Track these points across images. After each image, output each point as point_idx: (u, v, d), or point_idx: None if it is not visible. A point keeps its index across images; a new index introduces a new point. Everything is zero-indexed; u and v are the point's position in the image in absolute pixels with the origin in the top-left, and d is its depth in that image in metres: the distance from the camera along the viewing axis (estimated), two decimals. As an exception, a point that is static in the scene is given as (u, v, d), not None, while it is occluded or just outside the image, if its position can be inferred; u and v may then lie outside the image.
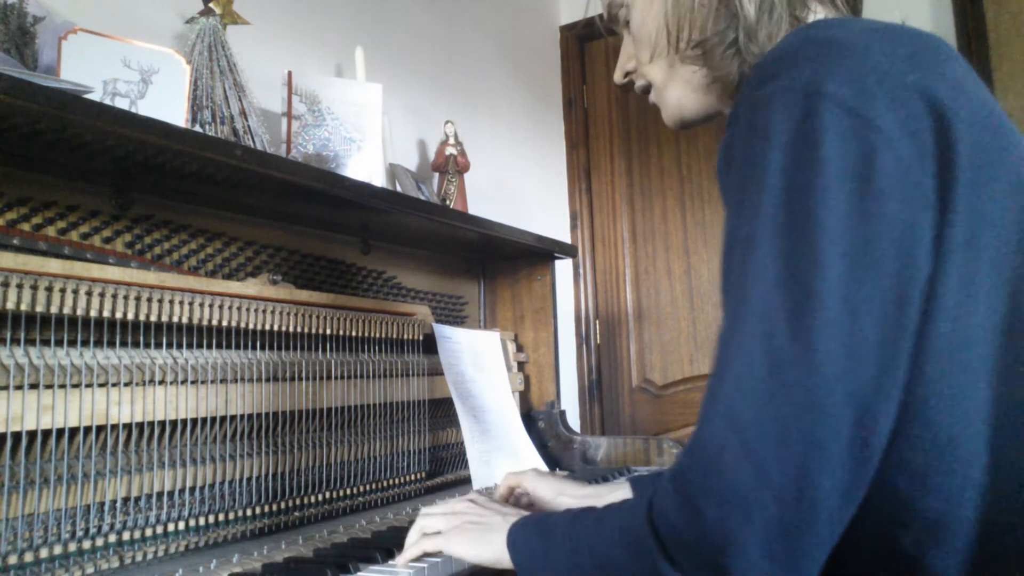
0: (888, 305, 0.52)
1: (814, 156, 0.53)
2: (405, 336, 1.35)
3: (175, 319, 0.97)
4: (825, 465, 0.50)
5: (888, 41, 0.59)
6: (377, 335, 1.29)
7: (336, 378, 1.20)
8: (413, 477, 1.33)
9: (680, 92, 0.76)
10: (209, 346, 1.03)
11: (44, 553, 0.81)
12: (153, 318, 0.94)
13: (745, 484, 0.51)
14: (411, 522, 0.89)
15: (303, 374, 1.14)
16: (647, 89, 0.81)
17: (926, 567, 0.54)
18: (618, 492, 1.04)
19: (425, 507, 0.92)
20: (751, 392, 0.52)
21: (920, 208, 0.53)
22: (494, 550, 0.76)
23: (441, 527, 0.84)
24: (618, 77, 0.84)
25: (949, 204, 0.54)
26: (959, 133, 0.54)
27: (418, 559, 0.84)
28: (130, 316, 0.92)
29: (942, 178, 0.54)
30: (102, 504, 0.87)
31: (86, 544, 0.85)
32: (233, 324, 1.04)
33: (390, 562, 0.86)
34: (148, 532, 0.91)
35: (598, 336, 2.73)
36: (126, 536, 0.89)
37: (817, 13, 0.70)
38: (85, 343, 0.89)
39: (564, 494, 1.03)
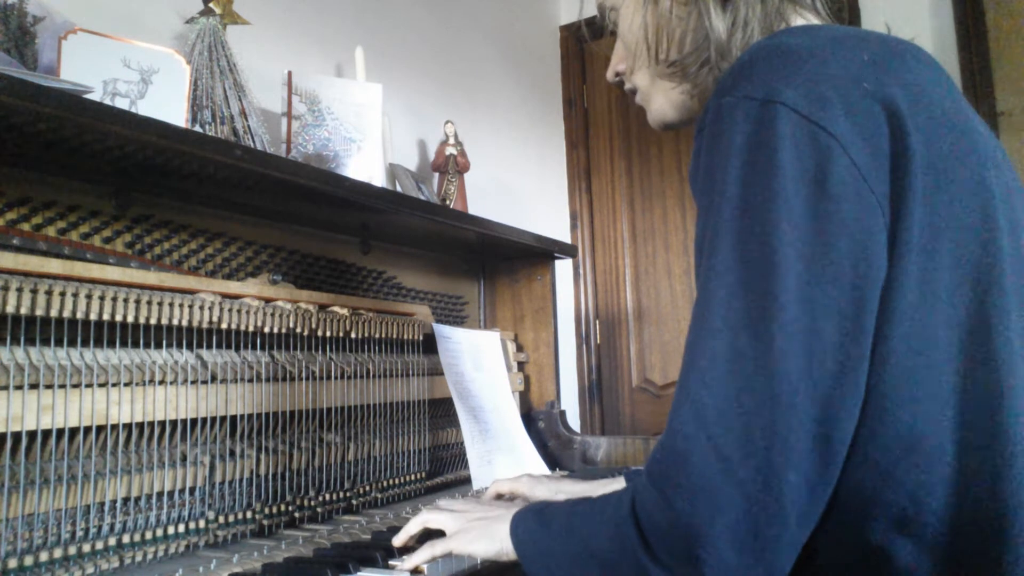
0: (846, 305, 0.53)
1: (770, 162, 0.54)
2: (405, 336, 1.35)
3: (175, 319, 0.97)
4: (789, 459, 0.52)
5: (848, 48, 0.60)
6: (377, 335, 1.29)
7: (336, 378, 1.20)
8: (413, 477, 1.33)
9: (662, 101, 0.78)
10: (209, 346, 1.03)
11: (44, 553, 0.81)
12: (152, 319, 0.94)
13: (712, 479, 0.53)
14: None
15: (303, 374, 1.14)
16: (635, 91, 0.83)
17: (896, 560, 0.55)
18: (613, 485, 1.06)
19: (426, 507, 0.92)
20: (716, 390, 0.54)
21: (874, 212, 0.54)
22: (499, 542, 0.77)
23: (448, 526, 0.85)
24: (610, 76, 0.86)
25: (903, 208, 0.55)
26: (914, 139, 0.56)
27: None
28: (130, 318, 0.92)
29: (897, 183, 0.55)
30: (102, 504, 0.87)
31: (86, 544, 0.84)
32: (233, 324, 1.04)
33: (391, 561, 0.86)
34: (148, 532, 0.91)
35: (598, 336, 2.73)
36: (126, 536, 0.89)
37: (798, 23, 0.71)
38: (85, 343, 0.89)
39: (561, 492, 1.04)
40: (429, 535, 0.87)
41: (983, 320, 0.56)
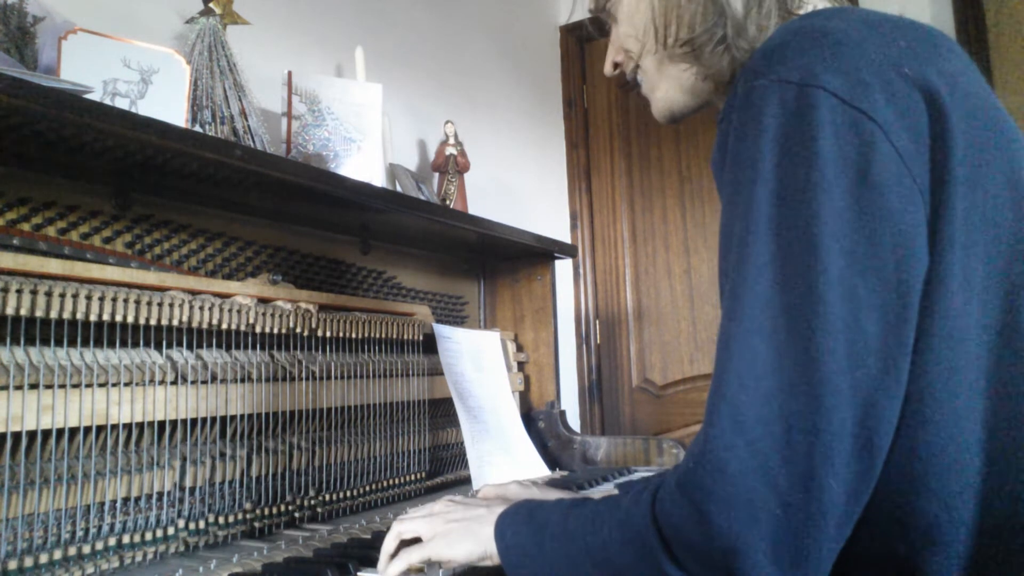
0: (890, 301, 0.51)
1: (810, 150, 0.52)
2: (405, 336, 1.35)
3: (174, 319, 0.97)
4: (831, 464, 0.49)
5: (884, 33, 0.58)
6: (377, 335, 1.29)
7: (336, 378, 1.20)
8: (413, 477, 1.33)
9: (669, 88, 0.75)
10: (209, 346, 1.03)
11: (44, 553, 0.81)
12: (152, 319, 0.94)
13: (752, 488, 0.50)
14: None
15: (303, 374, 1.14)
16: (637, 81, 0.80)
17: (923, 571, 0.53)
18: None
19: (399, 515, 0.85)
20: (755, 392, 0.51)
21: (916, 202, 0.52)
22: (483, 544, 0.72)
23: (422, 531, 0.78)
24: (607, 69, 0.82)
25: (946, 199, 0.53)
26: (955, 127, 0.54)
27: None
28: (130, 319, 0.92)
29: (937, 173, 0.53)
30: (102, 504, 0.87)
31: (86, 544, 0.84)
32: (233, 325, 1.04)
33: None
34: (148, 532, 0.91)
35: (598, 336, 2.73)
36: (126, 536, 0.89)
37: (815, 4, 0.68)
38: (85, 343, 0.89)
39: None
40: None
41: (1013, 321, 0.54)
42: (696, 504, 0.52)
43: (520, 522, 0.69)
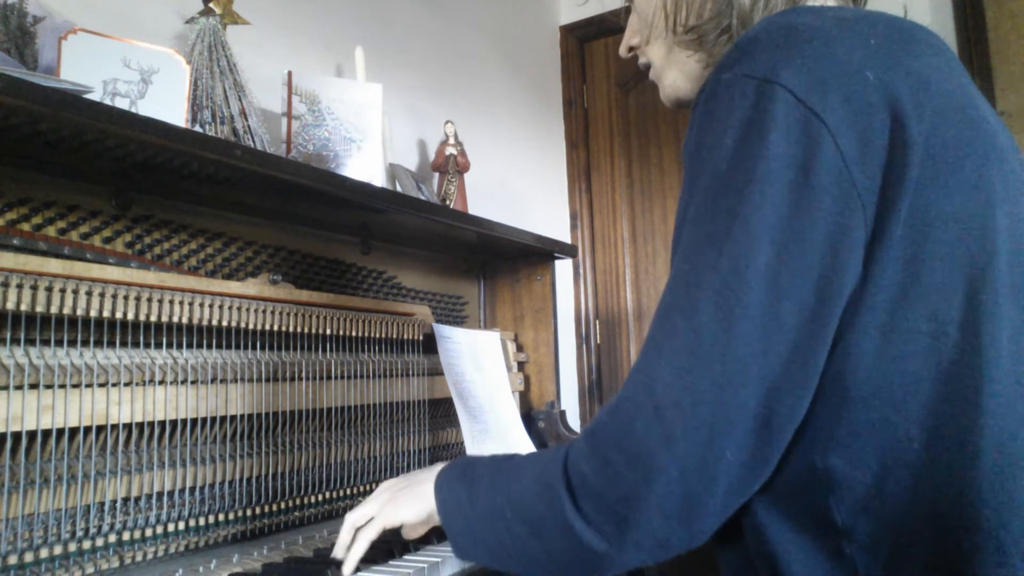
0: (809, 296, 0.54)
1: (761, 143, 0.54)
2: (405, 336, 1.35)
3: (175, 319, 0.97)
4: (729, 438, 0.53)
5: (857, 31, 0.59)
6: (377, 335, 1.29)
7: (336, 378, 1.20)
8: (413, 477, 1.33)
9: (675, 75, 0.77)
10: (209, 346, 1.03)
11: (44, 553, 0.81)
12: (153, 318, 0.94)
13: (652, 447, 0.54)
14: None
15: (303, 374, 1.14)
16: (648, 66, 0.81)
17: (856, 537, 0.56)
18: None
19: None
20: (670, 363, 0.55)
21: (852, 207, 0.54)
22: (427, 503, 0.75)
23: (372, 511, 0.82)
24: (623, 51, 0.84)
25: (892, 202, 0.54)
26: (915, 130, 0.55)
27: (407, 560, 0.82)
28: (130, 316, 0.92)
29: (889, 176, 0.54)
30: (102, 504, 0.87)
31: (86, 544, 0.85)
32: (233, 324, 1.04)
33: (358, 572, 0.83)
34: (148, 532, 0.91)
35: (598, 336, 2.73)
36: (126, 536, 0.89)
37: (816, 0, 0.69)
38: (85, 343, 0.89)
39: None
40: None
41: (971, 318, 0.55)
42: (602, 453, 0.57)
43: (455, 478, 0.72)
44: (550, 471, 0.61)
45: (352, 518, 0.83)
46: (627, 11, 0.85)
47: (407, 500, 0.78)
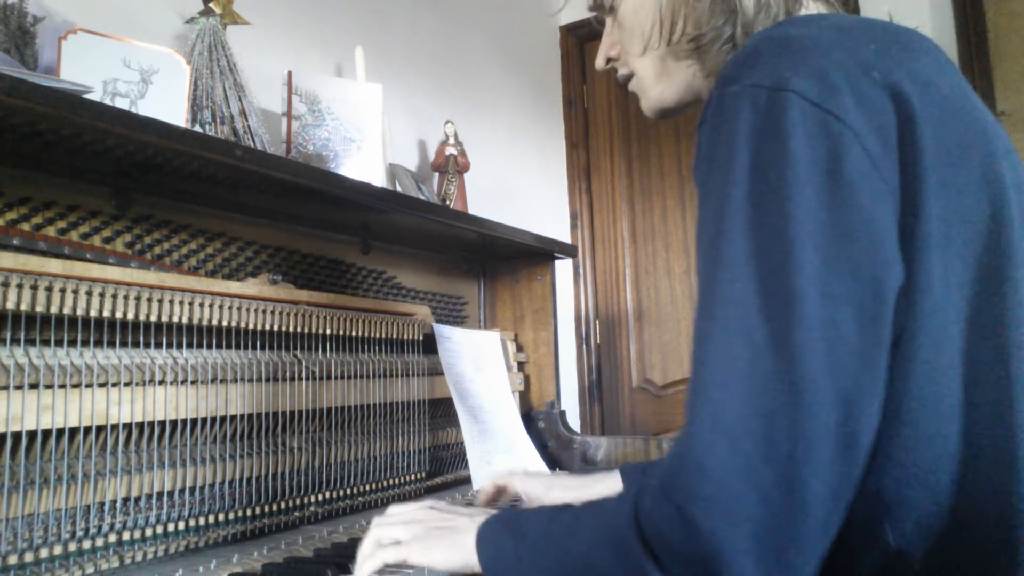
0: (866, 299, 0.51)
1: (782, 151, 0.53)
2: (405, 336, 1.35)
3: (175, 319, 0.97)
4: (813, 463, 0.49)
5: (855, 37, 0.59)
6: (377, 335, 1.29)
7: (336, 378, 1.20)
8: (413, 477, 1.33)
9: (664, 86, 0.75)
10: (209, 346, 1.03)
11: (44, 553, 0.81)
12: (153, 318, 0.94)
13: (733, 488, 0.50)
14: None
15: (303, 374, 1.14)
16: (629, 77, 0.80)
17: (912, 561, 0.54)
18: (607, 481, 1.03)
19: (378, 517, 0.84)
20: (735, 391, 0.51)
21: (888, 202, 0.53)
22: (463, 554, 0.71)
23: (400, 536, 0.78)
24: (599, 63, 0.82)
25: (919, 200, 0.53)
26: (924, 129, 0.54)
27: (387, 570, 0.78)
28: (130, 316, 0.92)
29: (908, 175, 0.54)
30: (102, 504, 0.87)
31: (86, 544, 0.84)
32: (233, 324, 1.04)
33: None
34: (148, 532, 0.91)
35: (598, 336, 2.73)
36: (126, 536, 0.89)
37: (810, 9, 0.69)
38: (85, 343, 0.89)
39: (555, 487, 1.02)
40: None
41: (993, 319, 0.55)
42: (678, 505, 0.52)
43: (501, 532, 0.68)
44: (619, 524, 0.56)
45: (379, 533, 0.79)
46: (600, 21, 0.83)
47: (441, 546, 0.73)
